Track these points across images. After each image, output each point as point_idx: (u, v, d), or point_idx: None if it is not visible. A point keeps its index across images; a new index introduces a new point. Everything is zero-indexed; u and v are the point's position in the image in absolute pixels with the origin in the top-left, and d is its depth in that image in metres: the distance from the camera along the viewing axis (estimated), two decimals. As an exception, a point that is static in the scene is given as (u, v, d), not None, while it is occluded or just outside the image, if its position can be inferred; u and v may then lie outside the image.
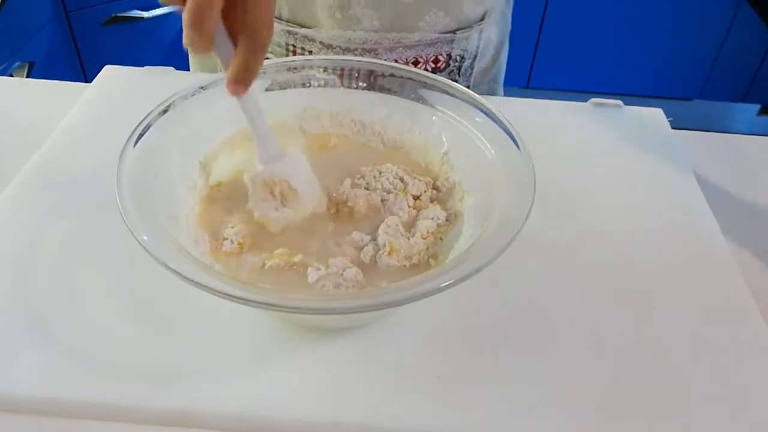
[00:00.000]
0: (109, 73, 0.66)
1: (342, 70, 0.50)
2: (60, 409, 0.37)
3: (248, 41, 0.36)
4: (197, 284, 0.33)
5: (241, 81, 0.37)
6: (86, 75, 1.50)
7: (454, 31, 0.63)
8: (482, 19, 0.65)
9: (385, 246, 0.42)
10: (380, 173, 0.47)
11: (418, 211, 0.45)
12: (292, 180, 0.42)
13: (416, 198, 0.46)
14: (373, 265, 0.42)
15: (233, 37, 0.37)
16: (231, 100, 0.39)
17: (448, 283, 0.34)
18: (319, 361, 0.40)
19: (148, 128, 0.42)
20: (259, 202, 0.43)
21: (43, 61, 1.31)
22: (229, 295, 0.33)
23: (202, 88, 0.46)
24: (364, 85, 0.50)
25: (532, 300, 0.44)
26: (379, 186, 0.46)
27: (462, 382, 0.39)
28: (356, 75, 0.50)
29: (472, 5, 0.63)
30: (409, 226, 0.44)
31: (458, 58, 0.65)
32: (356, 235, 0.43)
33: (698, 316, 0.44)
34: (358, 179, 0.47)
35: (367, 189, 0.46)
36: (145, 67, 0.66)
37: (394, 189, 0.46)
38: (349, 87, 0.50)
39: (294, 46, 0.63)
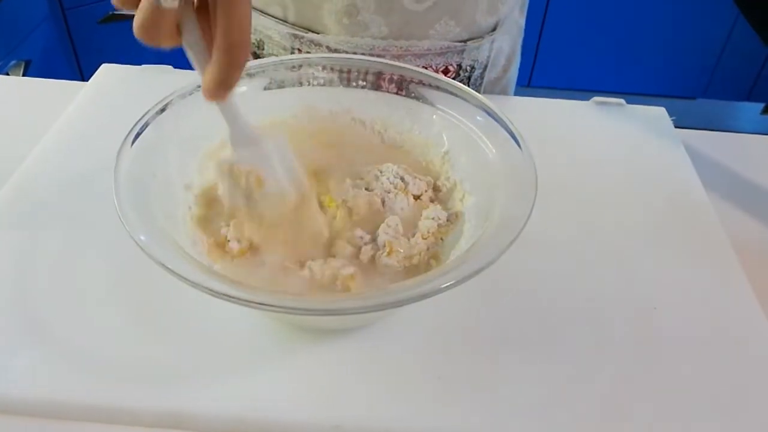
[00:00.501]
0: (106, 71, 0.66)
1: (342, 68, 0.50)
2: (58, 411, 0.37)
3: (223, 57, 0.33)
4: (195, 285, 0.33)
5: (216, 94, 0.35)
6: (83, 73, 1.49)
7: (465, 41, 0.61)
8: (494, 29, 0.63)
9: (384, 246, 0.41)
10: (380, 172, 0.47)
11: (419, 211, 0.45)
12: (262, 169, 0.39)
13: (417, 197, 0.46)
14: (372, 265, 0.41)
15: (211, 40, 0.33)
16: None
17: (449, 283, 0.33)
18: (318, 362, 0.39)
19: (146, 127, 0.42)
20: (227, 190, 0.40)
21: (40, 59, 1.31)
22: (228, 296, 0.32)
23: (200, 86, 0.45)
24: (364, 83, 0.50)
25: (532, 300, 0.44)
26: (379, 185, 0.46)
27: (462, 383, 0.39)
28: (356, 73, 0.50)
29: (484, 15, 0.60)
30: (410, 226, 0.44)
31: (468, 68, 0.63)
32: (356, 234, 0.43)
33: (700, 316, 0.44)
34: (359, 180, 0.46)
35: (367, 189, 0.46)
36: (143, 65, 0.65)
37: (395, 188, 0.46)
38: (349, 85, 0.50)
39: (300, 50, 0.62)
